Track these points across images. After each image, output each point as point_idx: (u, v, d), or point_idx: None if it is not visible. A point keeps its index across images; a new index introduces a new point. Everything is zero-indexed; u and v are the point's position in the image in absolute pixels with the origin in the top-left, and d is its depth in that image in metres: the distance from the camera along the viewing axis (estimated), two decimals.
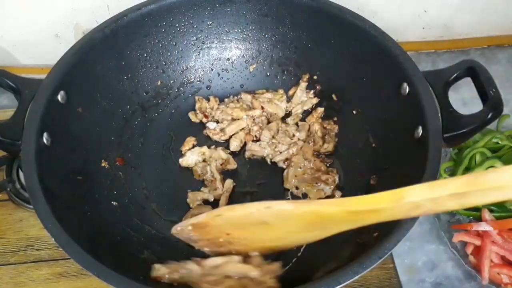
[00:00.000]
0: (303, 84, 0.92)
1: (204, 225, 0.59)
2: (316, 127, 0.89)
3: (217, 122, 0.92)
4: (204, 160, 0.87)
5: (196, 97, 0.94)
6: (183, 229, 0.64)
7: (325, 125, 0.90)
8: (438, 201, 0.47)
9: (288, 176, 0.84)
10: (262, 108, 0.91)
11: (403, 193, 0.48)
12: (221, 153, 0.87)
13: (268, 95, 0.93)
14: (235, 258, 0.61)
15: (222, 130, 0.91)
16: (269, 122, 0.92)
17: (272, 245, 0.60)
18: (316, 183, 0.82)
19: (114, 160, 0.84)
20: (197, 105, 0.93)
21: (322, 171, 0.84)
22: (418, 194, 0.48)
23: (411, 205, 0.49)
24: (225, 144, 0.90)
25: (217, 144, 0.91)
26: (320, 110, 0.91)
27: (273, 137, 0.88)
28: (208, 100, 0.94)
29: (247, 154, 0.88)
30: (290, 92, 0.94)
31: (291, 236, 0.56)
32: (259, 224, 0.54)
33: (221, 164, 0.86)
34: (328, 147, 0.87)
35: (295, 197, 0.84)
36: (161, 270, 0.67)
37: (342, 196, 0.82)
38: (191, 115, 0.93)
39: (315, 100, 0.92)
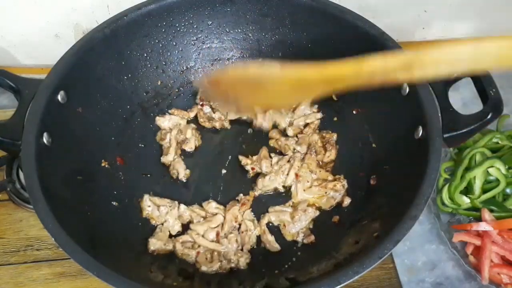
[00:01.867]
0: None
1: (215, 81, 0.68)
2: (315, 137, 0.88)
3: (212, 109, 0.93)
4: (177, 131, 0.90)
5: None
6: (202, 82, 0.75)
7: (324, 134, 0.89)
8: (389, 71, 0.54)
9: (298, 192, 0.82)
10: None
11: (362, 62, 0.55)
12: (188, 131, 0.89)
13: None
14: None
15: (210, 119, 0.92)
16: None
17: (268, 102, 0.70)
18: (326, 192, 0.81)
19: (114, 160, 0.84)
20: (200, 90, 0.94)
21: (329, 180, 0.83)
22: (373, 63, 0.55)
23: (368, 73, 0.56)
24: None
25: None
26: (316, 122, 0.90)
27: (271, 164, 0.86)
28: None
29: (258, 192, 0.84)
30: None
31: (281, 95, 0.65)
32: (256, 83, 0.64)
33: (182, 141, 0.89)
34: (331, 155, 0.86)
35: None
36: (157, 244, 0.75)
37: (351, 203, 0.81)
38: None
39: (319, 115, 0.91)
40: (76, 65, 0.76)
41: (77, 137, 0.78)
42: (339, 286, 0.56)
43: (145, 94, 0.91)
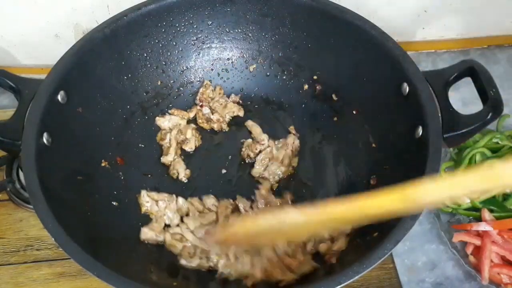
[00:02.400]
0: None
1: (225, 239, 0.65)
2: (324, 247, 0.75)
3: (211, 110, 0.93)
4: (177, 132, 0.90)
5: (205, 81, 0.95)
6: (209, 241, 0.72)
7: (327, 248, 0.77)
8: (452, 195, 0.48)
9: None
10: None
11: (413, 190, 0.48)
12: (188, 131, 0.89)
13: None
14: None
15: (208, 120, 0.92)
16: None
17: (287, 239, 0.68)
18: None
19: (114, 160, 0.84)
20: (201, 89, 0.94)
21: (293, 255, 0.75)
22: (426, 193, 0.48)
23: (419, 204, 0.50)
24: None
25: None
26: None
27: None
28: (214, 88, 0.95)
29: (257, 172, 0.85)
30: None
31: (305, 233, 0.61)
32: (274, 232, 0.58)
33: (182, 141, 0.89)
34: (339, 243, 0.74)
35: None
36: (149, 234, 0.76)
37: None
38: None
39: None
40: (76, 65, 0.76)
41: (77, 137, 0.78)
42: (339, 286, 0.56)
43: (145, 94, 0.91)
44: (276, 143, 0.88)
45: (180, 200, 0.81)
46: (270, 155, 0.86)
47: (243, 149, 0.89)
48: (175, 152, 0.87)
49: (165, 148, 0.88)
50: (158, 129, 0.91)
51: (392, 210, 0.50)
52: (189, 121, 0.93)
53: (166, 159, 0.87)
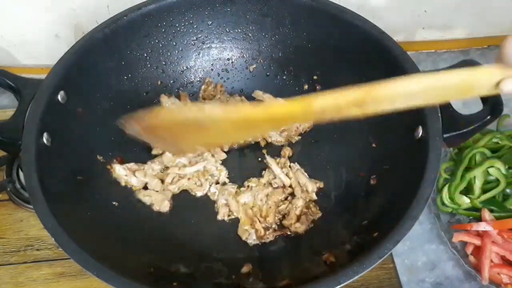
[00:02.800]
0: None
1: (151, 125, 0.65)
2: (300, 202, 0.82)
3: None
4: None
5: (206, 79, 0.95)
6: (129, 125, 0.67)
7: (311, 206, 0.83)
8: (341, 107, 0.54)
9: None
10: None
11: (311, 100, 0.55)
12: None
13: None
14: None
15: None
16: None
17: (211, 141, 0.69)
18: (250, 224, 0.80)
19: (115, 160, 0.84)
20: (203, 87, 0.94)
21: (265, 221, 0.80)
22: (324, 101, 0.54)
23: (319, 111, 0.55)
24: None
25: None
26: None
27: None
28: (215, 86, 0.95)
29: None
30: None
31: (224, 135, 0.63)
32: (196, 125, 0.61)
33: None
34: (299, 228, 0.79)
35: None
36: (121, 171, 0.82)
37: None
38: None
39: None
40: (76, 65, 0.76)
41: (77, 137, 0.78)
42: (339, 286, 0.56)
43: (145, 94, 0.91)
44: None
45: (155, 166, 0.84)
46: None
47: None
48: None
49: None
50: None
51: (295, 113, 0.56)
52: None
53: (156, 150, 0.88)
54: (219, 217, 0.82)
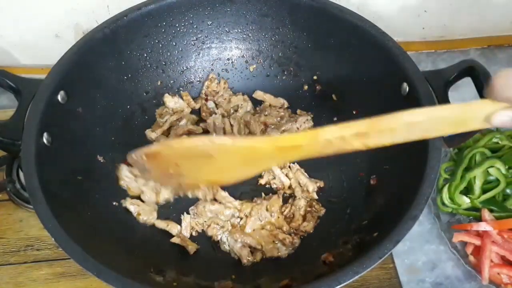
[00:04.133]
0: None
1: (155, 155, 0.65)
2: (302, 202, 0.82)
3: (216, 105, 0.93)
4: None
5: (210, 74, 0.95)
6: (137, 158, 0.68)
7: (314, 204, 0.83)
8: (345, 139, 0.57)
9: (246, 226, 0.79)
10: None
11: (318, 132, 0.58)
12: (183, 121, 0.90)
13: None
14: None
15: (212, 114, 0.92)
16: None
17: (216, 178, 0.68)
18: (274, 241, 0.77)
19: (114, 160, 0.84)
20: (206, 83, 0.94)
21: (283, 230, 0.79)
22: (329, 133, 0.57)
23: (324, 142, 0.58)
24: None
25: None
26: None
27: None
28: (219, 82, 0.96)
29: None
30: None
31: (232, 170, 0.64)
32: (204, 157, 0.62)
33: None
34: (308, 226, 0.79)
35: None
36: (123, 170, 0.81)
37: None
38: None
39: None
40: (76, 65, 0.76)
41: (77, 137, 0.78)
42: (339, 286, 0.56)
43: (145, 94, 0.91)
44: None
45: None
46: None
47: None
48: (162, 132, 0.88)
49: (157, 124, 0.90)
50: None
51: (302, 145, 0.59)
52: (193, 112, 0.93)
53: (150, 133, 0.88)
54: (244, 261, 0.76)
